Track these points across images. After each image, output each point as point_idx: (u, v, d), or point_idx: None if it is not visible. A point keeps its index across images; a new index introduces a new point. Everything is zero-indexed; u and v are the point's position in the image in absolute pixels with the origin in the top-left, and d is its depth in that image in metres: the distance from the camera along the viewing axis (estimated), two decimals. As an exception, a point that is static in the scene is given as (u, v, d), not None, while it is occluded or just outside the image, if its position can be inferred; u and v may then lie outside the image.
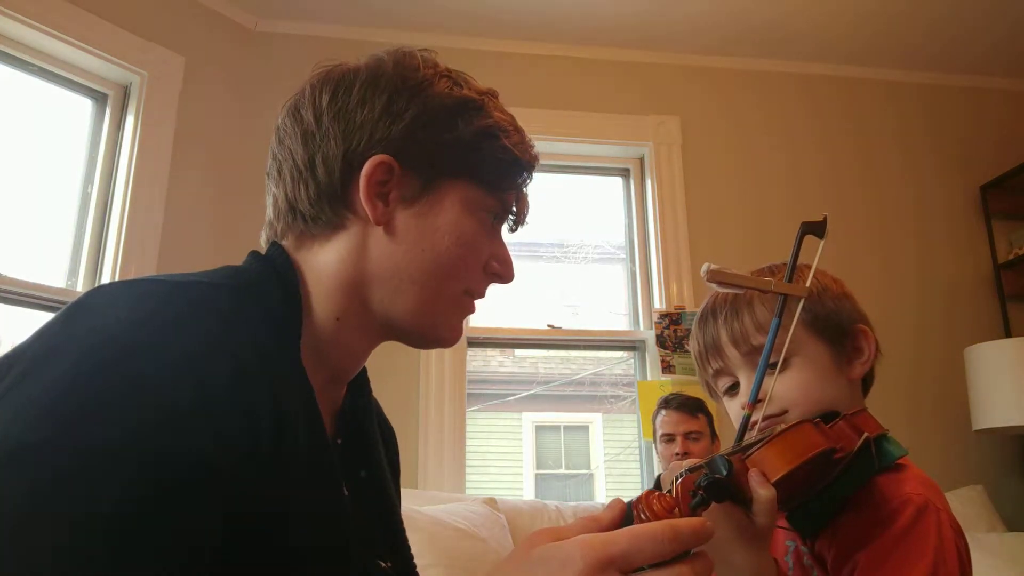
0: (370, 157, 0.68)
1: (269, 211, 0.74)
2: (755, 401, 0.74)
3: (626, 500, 0.56)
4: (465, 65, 0.77)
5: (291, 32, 3.00)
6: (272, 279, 0.68)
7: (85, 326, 0.53)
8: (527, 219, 0.80)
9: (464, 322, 0.77)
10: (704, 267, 0.70)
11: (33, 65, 2.44)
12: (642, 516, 0.50)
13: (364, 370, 0.81)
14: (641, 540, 0.46)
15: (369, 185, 0.68)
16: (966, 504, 2.62)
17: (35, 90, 2.48)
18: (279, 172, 0.72)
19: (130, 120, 2.57)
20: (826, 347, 0.83)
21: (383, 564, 0.73)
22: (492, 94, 0.76)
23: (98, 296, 0.56)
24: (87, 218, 2.49)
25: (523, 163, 0.75)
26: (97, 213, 2.50)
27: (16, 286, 2.25)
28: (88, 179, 2.54)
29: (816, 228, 0.77)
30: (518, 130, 0.75)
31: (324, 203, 0.70)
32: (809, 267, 0.86)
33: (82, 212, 2.51)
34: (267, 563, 0.55)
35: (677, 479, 0.54)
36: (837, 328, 0.84)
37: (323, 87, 0.71)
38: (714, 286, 0.74)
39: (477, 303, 0.76)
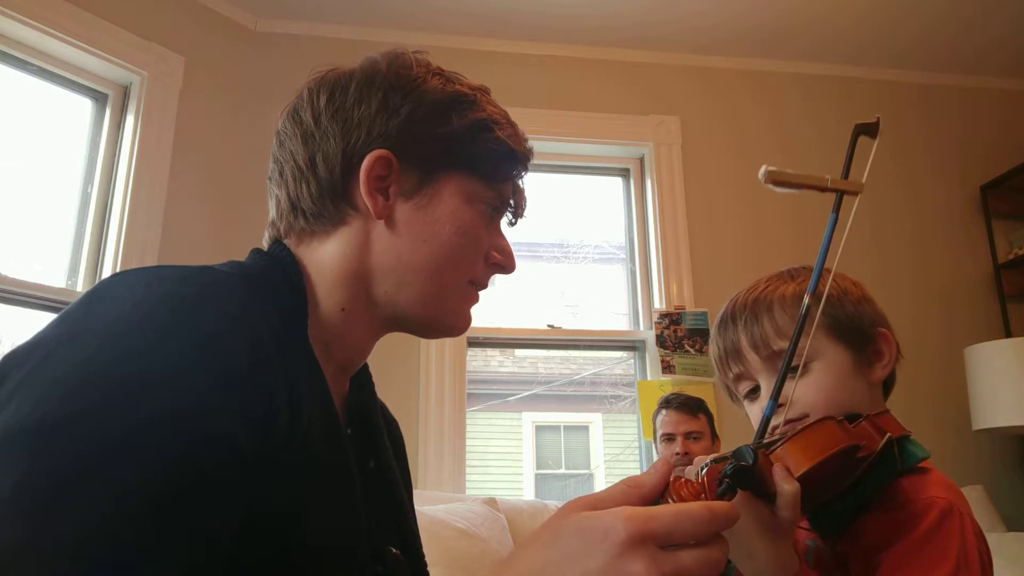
0: (369, 153, 0.70)
1: (272, 212, 0.76)
2: (787, 371, 0.73)
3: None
4: (465, 65, 0.78)
5: (291, 32, 3.00)
6: (276, 272, 0.69)
7: (107, 310, 0.54)
8: (525, 212, 0.81)
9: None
10: (762, 169, 0.69)
11: (33, 65, 2.44)
12: (670, 501, 0.50)
13: (366, 365, 0.82)
14: (681, 518, 0.46)
15: (369, 180, 0.70)
16: (966, 504, 2.62)
17: (35, 90, 2.48)
18: (280, 174, 0.74)
19: (130, 120, 2.57)
20: (846, 351, 0.83)
21: (394, 550, 0.74)
22: (484, 90, 0.77)
23: (117, 282, 0.57)
24: (87, 218, 2.49)
25: (518, 154, 0.76)
26: (97, 213, 2.50)
27: (16, 286, 2.25)
28: (88, 179, 2.54)
29: (869, 129, 0.77)
30: (511, 123, 0.77)
31: (326, 200, 0.71)
32: (828, 269, 0.85)
33: (82, 212, 2.51)
34: (282, 545, 0.56)
35: (703, 469, 0.54)
36: (857, 332, 0.84)
37: (320, 89, 0.73)
38: (771, 186, 0.73)
39: (477, 304, 0.77)
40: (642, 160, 3.20)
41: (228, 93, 2.83)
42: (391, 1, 2.91)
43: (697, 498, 0.50)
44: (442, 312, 0.73)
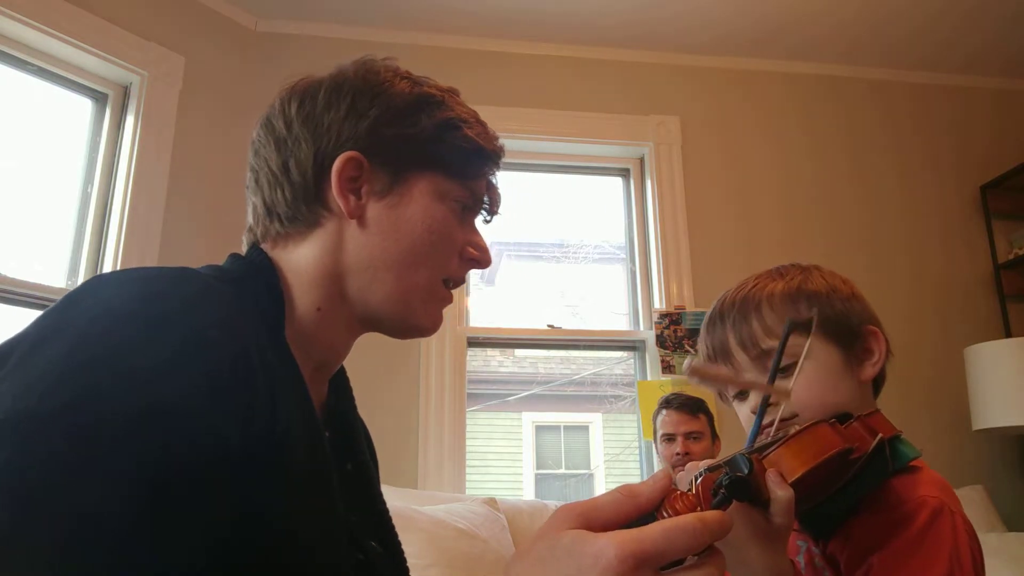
0: (339, 155, 0.72)
1: (249, 218, 0.78)
2: (774, 378, 0.73)
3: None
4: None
5: (291, 32, 3.00)
6: (254, 276, 0.71)
7: (93, 305, 0.54)
8: (500, 209, 0.83)
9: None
10: (685, 362, 0.71)
11: (33, 65, 2.44)
12: (664, 515, 0.49)
13: (343, 369, 0.83)
14: (673, 534, 0.46)
15: (340, 181, 0.72)
16: (966, 504, 2.58)
17: (35, 90, 2.48)
18: (256, 181, 0.76)
19: (130, 120, 2.57)
20: (836, 349, 0.83)
21: (374, 544, 0.75)
22: (452, 91, 0.79)
23: (101, 282, 0.57)
24: (87, 218, 2.49)
25: (487, 152, 0.78)
26: (97, 213, 2.50)
27: (16, 286, 2.25)
28: (88, 179, 2.54)
29: (803, 326, 0.79)
30: (480, 122, 0.79)
31: (300, 203, 0.73)
32: (818, 267, 0.86)
33: (82, 212, 2.51)
34: (264, 546, 0.56)
35: (697, 478, 0.53)
36: (847, 330, 0.84)
37: (291, 98, 0.76)
38: (695, 382, 0.75)
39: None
40: (642, 160, 3.20)
41: (228, 93, 2.83)
42: (391, 1, 2.91)
43: (693, 511, 0.50)
44: (410, 310, 0.74)
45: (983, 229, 3.25)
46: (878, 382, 0.87)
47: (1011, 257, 3.14)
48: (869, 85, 3.37)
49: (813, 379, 0.81)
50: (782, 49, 3.25)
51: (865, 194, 3.21)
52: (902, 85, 3.41)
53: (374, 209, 0.73)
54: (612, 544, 0.45)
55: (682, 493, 0.51)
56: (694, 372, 0.73)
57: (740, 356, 0.84)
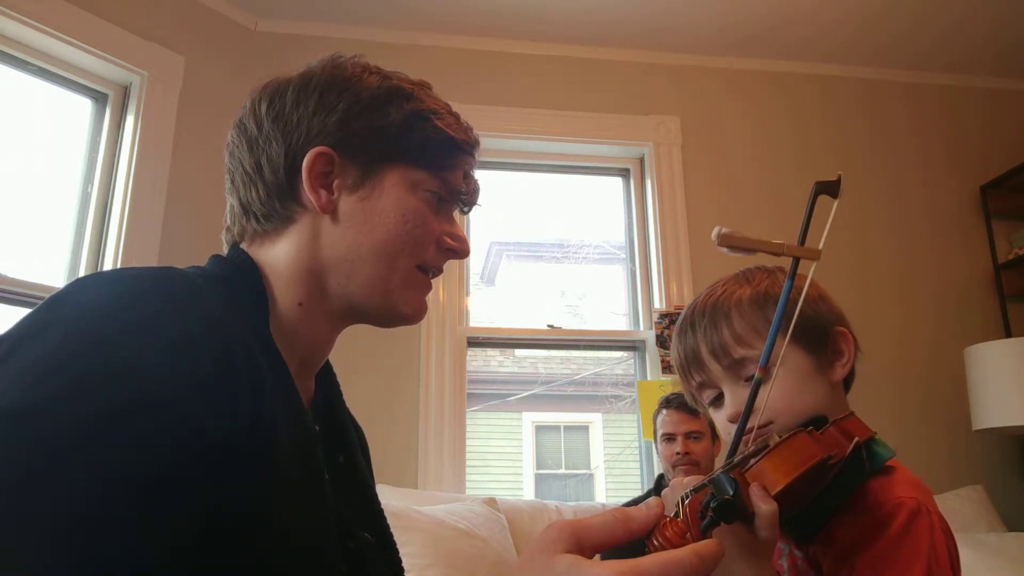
0: (309, 151, 0.73)
1: (227, 219, 0.79)
2: (765, 365, 0.73)
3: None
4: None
5: (291, 32, 3.00)
6: (236, 275, 0.72)
7: (72, 306, 0.55)
8: (477, 200, 0.83)
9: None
10: (715, 230, 0.68)
11: (33, 65, 2.44)
12: (655, 543, 0.49)
13: (330, 365, 0.84)
14: (670, 568, 0.46)
15: (311, 176, 0.73)
16: (966, 504, 2.61)
17: (35, 90, 2.48)
18: (232, 182, 0.78)
19: (130, 120, 2.57)
20: (806, 354, 0.83)
21: (367, 535, 0.76)
22: (423, 85, 0.79)
23: (85, 283, 0.58)
24: (87, 218, 2.49)
25: (458, 142, 0.77)
26: (97, 213, 2.50)
27: (16, 286, 2.25)
28: (88, 179, 2.54)
29: (830, 188, 0.75)
30: (452, 113, 0.79)
31: (274, 200, 0.74)
32: (783, 269, 0.85)
33: (82, 212, 2.50)
34: (250, 545, 0.56)
35: (683, 500, 0.53)
36: (816, 333, 0.83)
37: (261, 98, 0.78)
38: (725, 250, 0.72)
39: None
40: (642, 160, 3.20)
41: (228, 93, 2.82)
42: (391, 1, 2.90)
43: (682, 538, 0.50)
44: (391, 299, 0.75)
45: (983, 229, 3.25)
46: (848, 380, 0.87)
47: (1011, 257, 3.14)
48: (859, 84, 3.37)
49: (786, 385, 0.80)
50: (790, 50, 3.25)
51: (876, 194, 3.21)
52: (919, 86, 3.40)
53: (346, 203, 0.73)
54: (610, 574, 0.44)
55: (671, 519, 0.51)
56: (723, 240, 0.67)
57: (712, 365, 0.84)
